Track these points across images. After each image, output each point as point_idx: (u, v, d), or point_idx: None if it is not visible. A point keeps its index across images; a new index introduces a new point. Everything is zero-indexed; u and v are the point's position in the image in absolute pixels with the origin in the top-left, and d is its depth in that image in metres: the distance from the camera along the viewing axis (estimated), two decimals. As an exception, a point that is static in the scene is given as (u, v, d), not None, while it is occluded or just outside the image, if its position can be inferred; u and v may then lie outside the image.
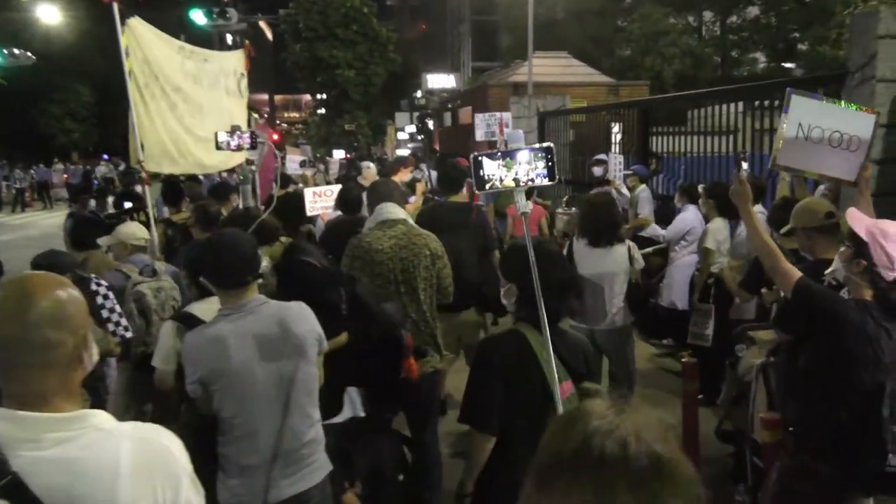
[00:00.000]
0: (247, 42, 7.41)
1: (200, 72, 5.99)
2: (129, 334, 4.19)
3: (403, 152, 28.42)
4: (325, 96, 27.31)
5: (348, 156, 13.18)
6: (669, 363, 7.02)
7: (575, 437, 0.91)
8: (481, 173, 2.36)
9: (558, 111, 12.82)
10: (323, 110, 28.12)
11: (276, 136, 37.84)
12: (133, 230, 4.86)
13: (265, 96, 77.27)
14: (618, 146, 9.92)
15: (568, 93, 15.27)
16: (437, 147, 28.75)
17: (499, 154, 2.39)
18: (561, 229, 9.64)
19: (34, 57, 27.19)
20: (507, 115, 12.19)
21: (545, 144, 2.41)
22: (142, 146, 4.83)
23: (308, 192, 6.49)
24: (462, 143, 23.22)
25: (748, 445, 3.85)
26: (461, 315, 5.17)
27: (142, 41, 4.94)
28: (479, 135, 12.11)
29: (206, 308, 3.13)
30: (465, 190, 5.58)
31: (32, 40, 28.58)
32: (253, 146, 4.32)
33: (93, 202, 9.50)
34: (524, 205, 2.38)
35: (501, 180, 2.36)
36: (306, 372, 2.64)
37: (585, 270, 4.58)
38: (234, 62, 6.92)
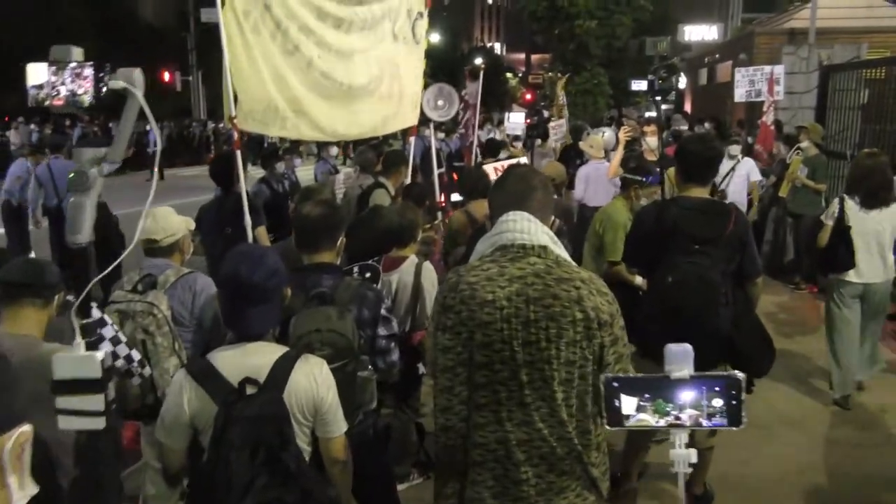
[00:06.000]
0: (427, -26, 5.91)
1: (352, 16, 4.59)
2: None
3: (652, 115, 25.65)
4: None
5: (528, 120, 11.55)
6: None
7: None
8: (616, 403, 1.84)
9: (850, 64, 10.47)
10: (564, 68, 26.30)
11: (528, 97, 36.73)
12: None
13: (522, 55, 76.71)
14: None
15: (865, 40, 12.56)
16: (687, 109, 25.65)
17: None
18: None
19: None
20: (778, 70, 10.06)
21: (732, 374, 1.83)
22: (235, 99, 3.55)
23: (489, 168, 5.76)
24: (719, 104, 20.22)
25: None
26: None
27: None
28: (739, 95, 10.29)
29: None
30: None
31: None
32: (97, 96, 2.66)
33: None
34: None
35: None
36: None
37: (859, 230, 4.92)
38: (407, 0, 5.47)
